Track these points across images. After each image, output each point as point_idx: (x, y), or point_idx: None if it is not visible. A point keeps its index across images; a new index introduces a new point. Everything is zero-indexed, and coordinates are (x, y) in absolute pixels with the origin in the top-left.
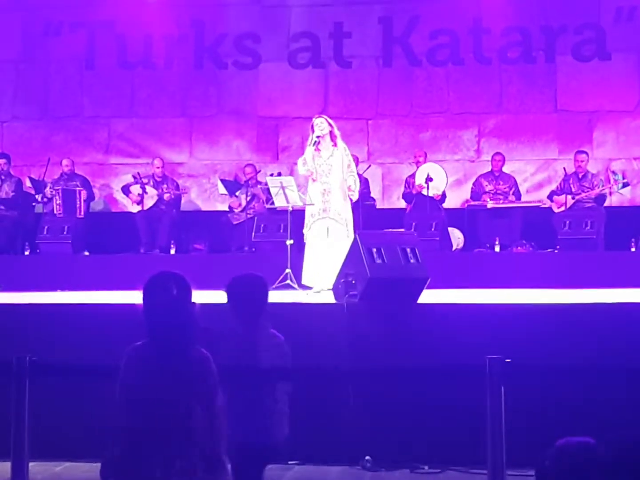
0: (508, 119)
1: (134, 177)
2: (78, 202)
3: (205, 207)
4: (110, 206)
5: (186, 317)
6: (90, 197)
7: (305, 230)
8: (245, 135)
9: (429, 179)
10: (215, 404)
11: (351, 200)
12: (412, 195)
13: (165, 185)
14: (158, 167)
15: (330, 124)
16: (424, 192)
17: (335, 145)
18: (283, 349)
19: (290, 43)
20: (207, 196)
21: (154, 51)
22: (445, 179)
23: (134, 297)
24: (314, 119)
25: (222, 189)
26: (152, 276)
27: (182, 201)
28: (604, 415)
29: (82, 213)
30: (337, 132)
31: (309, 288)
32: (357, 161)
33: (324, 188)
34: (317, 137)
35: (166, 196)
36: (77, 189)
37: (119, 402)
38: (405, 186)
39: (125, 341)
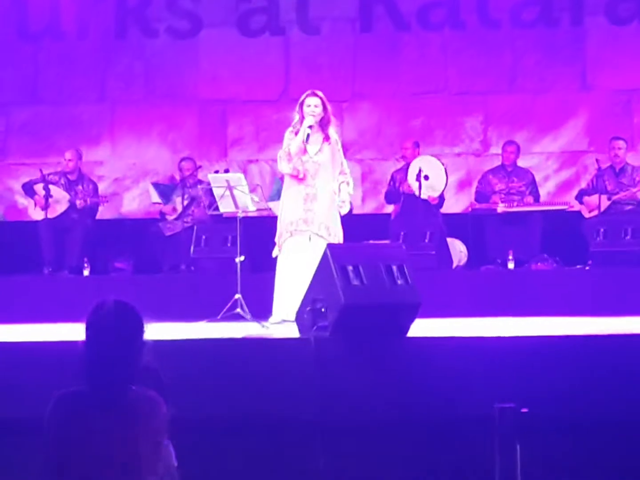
0: (523, 100)
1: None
2: None
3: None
4: (6, 217)
5: (134, 359)
6: None
7: (277, 240)
8: (183, 125)
9: (423, 177)
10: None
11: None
12: (397, 193)
13: (80, 187)
14: (70, 160)
15: (325, 107)
16: (416, 192)
17: (327, 138)
18: None
19: (239, 2)
20: (134, 205)
21: (62, 16)
22: (445, 177)
23: (42, 332)
24: (306, 97)
25: (154, 197)
26: (96, 307)
27: (100, 208)
28: None
29: None
30: (332, 118)
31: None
32: None
33: (307, 193)
34: (310, 126)
35: (78, 202)
36: None
37: (47, 462)
38: (389, 183)
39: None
